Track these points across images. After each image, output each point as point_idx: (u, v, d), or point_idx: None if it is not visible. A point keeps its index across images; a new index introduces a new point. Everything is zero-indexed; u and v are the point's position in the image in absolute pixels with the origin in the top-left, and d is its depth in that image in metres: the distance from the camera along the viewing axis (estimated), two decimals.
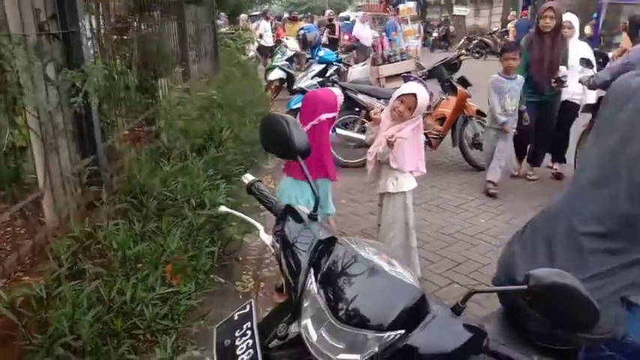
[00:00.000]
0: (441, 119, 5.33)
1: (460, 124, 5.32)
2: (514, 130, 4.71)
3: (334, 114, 2.92)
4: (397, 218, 3.03)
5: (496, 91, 4.60)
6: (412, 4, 6.92)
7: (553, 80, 4.61)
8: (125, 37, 4.63)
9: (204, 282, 2.60)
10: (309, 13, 44.54)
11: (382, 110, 3.12)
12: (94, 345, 1.90)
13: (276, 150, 1.37)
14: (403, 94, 2.86)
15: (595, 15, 14.23)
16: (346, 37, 10.80)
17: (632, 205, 1.32)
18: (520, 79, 4.62)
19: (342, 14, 25.95)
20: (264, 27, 13.40)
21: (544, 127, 4.88)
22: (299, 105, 6.18)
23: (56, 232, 2.58)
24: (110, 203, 2.85)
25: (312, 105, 2.90)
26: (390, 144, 2.79)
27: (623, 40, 7.48)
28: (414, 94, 2.81)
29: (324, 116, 2.82)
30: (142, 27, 4.87)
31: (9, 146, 2.37)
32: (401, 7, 6.28)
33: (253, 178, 1.42)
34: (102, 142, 3.22)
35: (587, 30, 13.78)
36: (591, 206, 1.40)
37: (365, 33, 10.34)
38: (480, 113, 5.43)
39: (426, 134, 5.27)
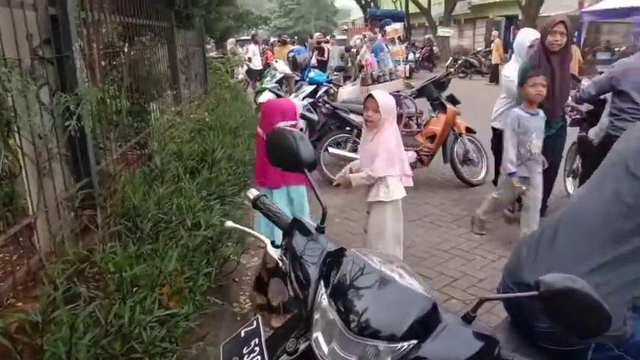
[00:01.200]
0: (432, 137, 5.38)
1: (450, 141, 5.38)
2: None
3: (293, 122, 2.99)
4: (387, 228, 3.01)
5: (520, 131, 3.60)
6: (399, 26, 7.05)
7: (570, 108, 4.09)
8: (116, 62, 4.66)
9: (202, 303, 2.57)
10: (296, 37, 45.15)
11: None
12: None
13: (283, 164, 1.38)
14: (364, 101, 3.00)
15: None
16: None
17: None
18: (542, 113, 3.67)
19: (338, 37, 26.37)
20: (253, 50, 13.57)
21: (554, 165, 4.08)
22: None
23: (50, 256, 2.55)
24: (105, 226, 2.82)
25: (271, 113, 3.04)
26: (346, 184, 3.01)
27: None
28: (371, 94, 2.96)
29: (282, 124, 2.86)
30: (133, 51, 4.89)
31: (3, 170, 2.34)
32: (388, 28, 6.40)
33: (258, 192, 1.42)
34: (95, 165, 3.21)
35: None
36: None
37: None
38: (469, 130, 5.50)
39: (417, 152, 5.34)
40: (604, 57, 12.67)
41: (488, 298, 1.06)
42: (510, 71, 4.31)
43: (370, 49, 11.95)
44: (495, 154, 4.68)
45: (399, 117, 5.36)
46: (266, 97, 9.22)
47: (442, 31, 23.12)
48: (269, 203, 1.40)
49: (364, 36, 17.32)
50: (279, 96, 8.88)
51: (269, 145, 1.38)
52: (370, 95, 2.96)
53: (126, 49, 4.71)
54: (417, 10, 26.97)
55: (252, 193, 1.43)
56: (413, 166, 5.33)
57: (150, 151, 4.35)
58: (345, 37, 29.90)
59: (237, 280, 3.35)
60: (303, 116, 6.15)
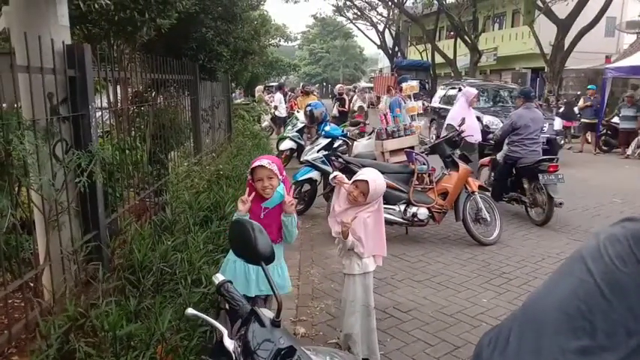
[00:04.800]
0: (444, 194, 5.37)
1: (463, 199, 5.36)
2: None
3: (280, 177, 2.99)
4: (357, 299, 3.06)
5: None
6: (415, 83, 7.21)
7: None
8: (139, 112, 4.88)
9: None
10: (324, 83, 45.97)
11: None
12: None
13: (243, 254, 1.41)
14: (357, 180, 2.98)
15: (591, 86, 14.44)
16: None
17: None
18: None
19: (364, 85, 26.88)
20: (279, 99, 13.95)
21: None
22: (305, 177, 6.35)
23: (52, 309, 2.61)
24: (107, 280, 2.89)
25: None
26: (344, 234, 2.93)
27: None
28: (367, 181, 2.92)
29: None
30: (157, 103, 5.10)
31: (9, 226, 2.45)
32: (404, 85, 6.56)
33: (224, 278, 1.42)
34: (105, 217, 3.31)
35: (581, 102, 13.92)
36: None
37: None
38: (482, 188, 5.47)
39: (429, 208, 5.32)
40: (629, 113, 12.44)
41: None
42: None
43: (361, 98, 12.14)
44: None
45: (412, 173, 5.40)
46: (287, 145, 9.46)
47: (468, 82, 23.28)
48: (233, 290, 1.41)
49: (354, 87, 17.62)
50: (299, 145, 9.09)
51: (230, 234, 1.42)
52: (366, 180, 2.95)
53: (150, 102, 4.93)
54: (443, 61, 27.36)
55: (218, 278, 1.44)
56: (425, 222, 5.34)
57: (163, 201, 4.47)
58: (371, 85, 30.46)
59: None
60: (317, 168, 6.24)
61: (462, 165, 5.39)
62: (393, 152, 6.39)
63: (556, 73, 17.47)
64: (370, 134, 7.58)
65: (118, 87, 4.45)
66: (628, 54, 17.19)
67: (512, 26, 28.75)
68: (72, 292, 2.70)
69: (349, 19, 40.62)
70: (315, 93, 20.20)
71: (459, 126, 5.68)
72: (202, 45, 6.44)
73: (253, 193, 2.58)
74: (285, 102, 15.07)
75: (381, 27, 38.65)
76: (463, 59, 27.07)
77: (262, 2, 10.60)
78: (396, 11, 34.55)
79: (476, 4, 25.47)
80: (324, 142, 6.38)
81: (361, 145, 7.04)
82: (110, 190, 3.64)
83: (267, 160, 2.60)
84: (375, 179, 3.04)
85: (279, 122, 13.47)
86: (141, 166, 4.44)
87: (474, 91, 7.18)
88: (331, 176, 3.31)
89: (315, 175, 6.28)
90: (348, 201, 3.08)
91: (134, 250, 3.23)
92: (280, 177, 2.61)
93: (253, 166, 2.61)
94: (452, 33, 29.52)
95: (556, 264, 4.87)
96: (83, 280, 2.93)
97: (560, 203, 5.93)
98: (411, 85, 6.72)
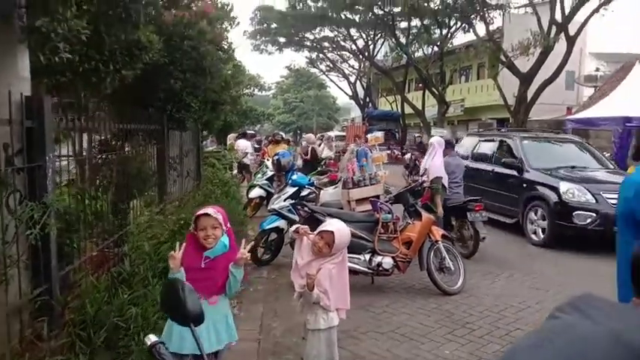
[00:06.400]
0: (408, 243, 5.42)
1: (427, 248, 5.41)
2: None
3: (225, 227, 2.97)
4: (321, 355, 3.01)
5: None
6: (380, 134, 7.46)
7: None
8: (103, 161, 4.84)
9: None
10: (299, 131, 46.57)
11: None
12: None
13: (173, 314, 1.40)
14: (323, 230, 2.99)
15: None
16: None
17: None
18: None
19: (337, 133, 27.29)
20: (244, 146, 14.09)
21: None
22: (272, 225, 6.33)
23: None
24: (55, 337, 2.78)
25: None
26: (309, 287, 2.90)
27: None
28: (333, 232, 2.93)
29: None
30: (122, 152, 5.08)
31: None
32: (369, 136, 6.78)
33: (157, 339, 1.36)
34: (59, 270, 3.22)
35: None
36: None
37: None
38: (445, 238, 5.56)
39: (394, 257, 5.34)
40: None
41: None
42: None
43: (328, 146, 12.33)
44: None
45: (377, 222, 5.45)
46: (257, 193, 9.48)
47: (436, 132, 23.98)
48: (164, 352, 1.37)
49: (322, 136, 18.03)
50: (269, 192, 9.10)
51: (161, 294, 1.42)
52: (332, 231, 2.97)
53: (115, 151, 4.91)
54: (412, 111, 28.22)
55: (150, 339, 1.39)
56: (390, 271, 5.35)
57: (122, 252, 4.37)
58: (344, 133, 31.06)
59: None
60: (284, 217, 6.24)
61: (424, 214, 5.48)
62: (359, 201, 6.48)
63: (520, 123, 18.14)
64: (337, 183, 7.69)
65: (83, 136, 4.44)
66: (587, 106, 18.05)
67: (477, 79, 30.04)
68: (14, 353, 2.58)
69: (322, 70, 41.83)
70: (291, 141, 20.45)
71: (422, 176, 5.82)
72: (171, 95, 6.51)
73: (183, 247, 2.55)
74: (256, 150, 15.19)
75: (352, 78, 39.88)
76: (431, 110, 27.98)
77: (233, 58, 10.84)
78: (366, 64, 35.79)
79: (443, 58, 26.62)
80: (290, 190, 6.43)
81: (328, 194, 7.11)
82: (68, 241, 3.56)
83: (212, 209, 2.61)
84: (340, 229, 3.06)
85: (248, 170, 13.52)
86: (101, 216, 4.37)
87: (444, 140, 7.41)
88: (292, 229, 3.30)
89: (281, 223, 6.28)
90: (312, 252, 3.07)
91: (87, 304, 3.13)
92: (225, 227, 2.61)
93: (198, 214, 2.60)
94: (420, 85, 30.66)
95: (518, 313, 4.92)
96: (30, 338, 2.81)
97: (484, 238, 6.71)
98: (376, 136, 6.92)
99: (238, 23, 8.83)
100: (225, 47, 8.97)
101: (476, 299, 5.30)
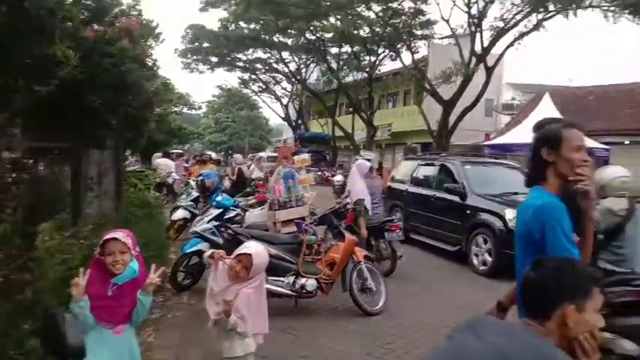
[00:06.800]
0: (332, 264, 5.47)
1: (350, 269, 5.48)
2: None
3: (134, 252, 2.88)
4: None
5: None
6: (307, 156, 7.57)
7: None
8: (11, 180, 4.52)
9: None
10: (230, 151, 46.08)
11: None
12: None
13: (52, 349, 1.33)
14: (240, 254, 2.96)
15: None
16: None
17: None
18: None
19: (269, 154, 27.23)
20: (169, 166, 13.69)
21: None
22: (194, 249, 6.15)
23: None
24: None
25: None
26: (226, 314, 2.84)
27: None
28: (251, 254, 2.91)
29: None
30: (32, 171, 4.79)
31: None
32: (296, 158, 6.85)
33: None
34: None
35: None
36: None
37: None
38: (368, 258, 5.66)
39: (317, 279, 5.36)
40: None
41: None
42: None
43: (258, 167, 12.34)
44: None
45: (301, 243, 5.46)
46: (180, 214, 9.19)
47: (364, 154, 24.60)
48: None
49: (254, 156, 18.18)
50: (193, 214, 8.85)
51: (40, 327, 1.34)
52: (249, 254, 2.94)
53: (24, 170, 4.61)
54: (343, 134, 28.84)
55: None
56: (313, 293, 5.36)
57: (25, 280, 4.07)
58: (275, 154, 31.10)
59: None
60: (207, 239, 6.09)
61: (347, 235, 5.57)
62: (285, 223, 6.47)
63: (442, 148, 19.04)
64: (263, 204, 7.65)
65: None
66: (503, 132, 19.28)
67: (404, 105, 31.26)
68: None
69: (254, 91, 41.87)
70: (221, 161, 20.10)
71: (345, 197, 5.92)
72: (89, 113, 6.22)
73: (88, 273, 2.42)
74: (184, 169, 14.80)
75: (285, 100, 40.22)
76: (360, 133, 28.71)
77: (157, 75, 10.59)
78: (299, 87, 36.27)
79: (371, 84, 27.54)
80: (214, 212, 6.31)
81: (254, 216, 7.05)
82: None
83: (121, 233, 2.51)
84: (259, 252, 3.03)
85: (172, 191, 13.13)
86: (6, 239, 4.06)
87: (368, 164, 7.48)
88: (206, 254, 3.23)
89: (204, 246, 6.10)
90: (228, 277, 3.01)
91: None
92: (134, 252, 2.51)
93: (105, 238, 2.49)
94: (350, 109, 31.45)
95: (437, 331, 5.06)
96: None
97: (401, 256, 7.04)
98: (303, 158, 7.00)
99: (163, 40, 8.67)
100: (150, 64, 8.76)
101: (396, 319, 5.41)
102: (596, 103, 21.71)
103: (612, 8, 16.12)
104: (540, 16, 17.97)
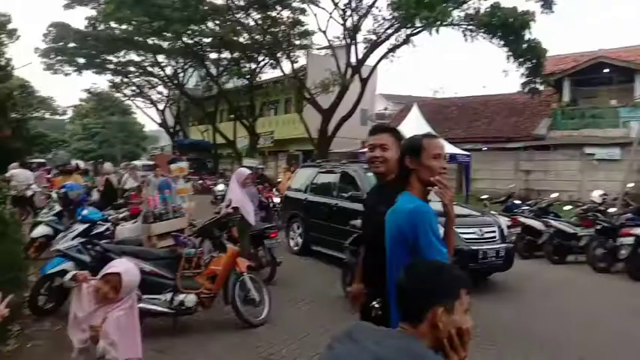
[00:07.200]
0: (213, 277, 5.27)
1: (232, 280, 5.33)
2: None
3: None
4: None
5: None
6: (185, 164, 7.21)
7: None
8: None
9: None
10: (101, 160, 43.06)
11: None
12: None
13: None
14: (107, 273, 2.72)
15: None
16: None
17: None
18: None
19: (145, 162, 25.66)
20: (27, 177, 12.36)
21: None
22: (57, 269, 5.53)
23: None
24: None
25: None
26: (93, 341, 2.60)
27: None
28: (119, 273, 2.70)
29: None
30: None
31: None
32: (172, 166, 6.46)
33: None
34: None
35: None
36: None
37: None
38: (251, 268, 5.55)
39: (197, 294, 5.13)
40: None
41: None
42: None
43: (133, 176, 11.73)
44: None
45: (179, 258, 5.19)
46: (41, 231, 8.24)
47: (247, 162, 24.42)
48: None
49: (127, 164, 17.36)
50: (57, 230, 8.00)
51: None
52: (118, 273, 2.68)
53: None
54: (224, 141, 28.34)
55: None
56: (193, 309, 5.11)
57: None
58: (152, 162, 29.55)
59: None
60: (72, 258, 5.52)
61: (229, 246, 5.41)
62: (161, 236, 6.11)
63: (322, 155, 19.57)
64: (136, 217, 7.15)
65: None
66: None
67: (285, 113, 31.62)
68: None
69: (127, 95, 39.42)
70: (90, 171, 18.52)
71: (227, 206, 5.76)
72: None
73: None
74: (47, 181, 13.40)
75: (161, 106, 38.44)
76: (243, 141, 28.45)
77: (10, 76, 9.52)
78: (176, 92, 34.96)
79: (252, 90, 27.45)
80: (80, 227, 5.75)
81: (127, 230, 6.56)
82: None
83: None
84: (129, 270, 2.77)
85: (29, 204, 11.84)
86: None
87: (247, 171, 7.37)
88: (67, 277, 2.89)
89: (69, 266, 5.49)
90: (95, 300, 2.72)
91: None
92: None
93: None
94: (232, 116, 31.03)
95: (320, 337, 5.09)
96: None
97: (280, 262, 7.15)
98: (180, 166, 6.66)
99: (19, 37, 7.76)
100: (2, 63, 7.80)
101: (280, 328, 5.36)
102: (457, 113, 23.93)
103: (470, 27, 17.83)
104: (409, 31, 19.32)
